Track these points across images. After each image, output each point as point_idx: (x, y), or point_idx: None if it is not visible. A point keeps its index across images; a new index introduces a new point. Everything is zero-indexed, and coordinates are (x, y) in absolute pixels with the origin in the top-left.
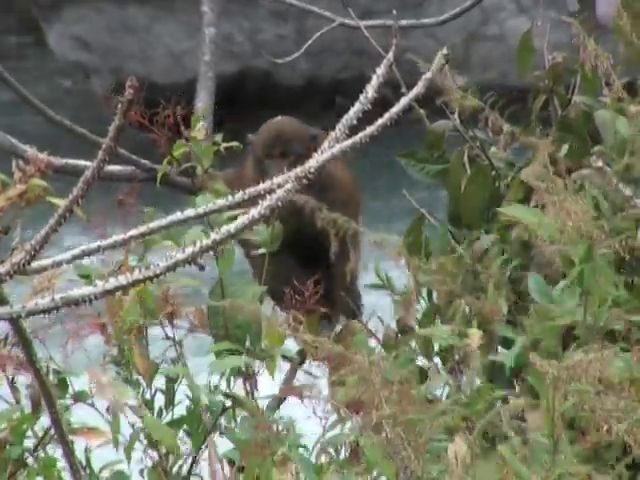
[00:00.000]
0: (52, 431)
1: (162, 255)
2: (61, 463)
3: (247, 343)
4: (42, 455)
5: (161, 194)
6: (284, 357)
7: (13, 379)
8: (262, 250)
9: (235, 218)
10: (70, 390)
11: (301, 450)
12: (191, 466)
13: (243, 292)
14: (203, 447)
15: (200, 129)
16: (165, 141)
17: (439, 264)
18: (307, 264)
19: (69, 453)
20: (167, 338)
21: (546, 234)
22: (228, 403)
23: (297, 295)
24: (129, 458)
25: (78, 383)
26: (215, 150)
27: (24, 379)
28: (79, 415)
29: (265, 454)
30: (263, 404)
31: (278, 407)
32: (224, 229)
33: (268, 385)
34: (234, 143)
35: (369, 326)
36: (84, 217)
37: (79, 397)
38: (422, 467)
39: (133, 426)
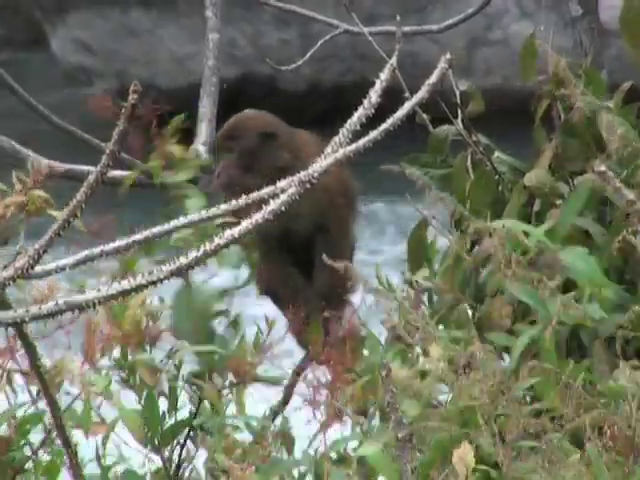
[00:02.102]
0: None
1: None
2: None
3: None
4: (44, 457)
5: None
6: (265, 381)
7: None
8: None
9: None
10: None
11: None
12: (177, 468)
13: (207, 299)
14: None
15: (172, 140)
16: (139, 146)
17: (441, 269)
18: (302, 262)
19: (72, 457)
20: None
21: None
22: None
23: (295, 297)
24: (104, 447)
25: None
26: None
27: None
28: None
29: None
30: (265, 409)
31: (280, 412)
32: (228, 233)
33: (270, 390)
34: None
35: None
36: (84, 228)
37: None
38: (509, 465)
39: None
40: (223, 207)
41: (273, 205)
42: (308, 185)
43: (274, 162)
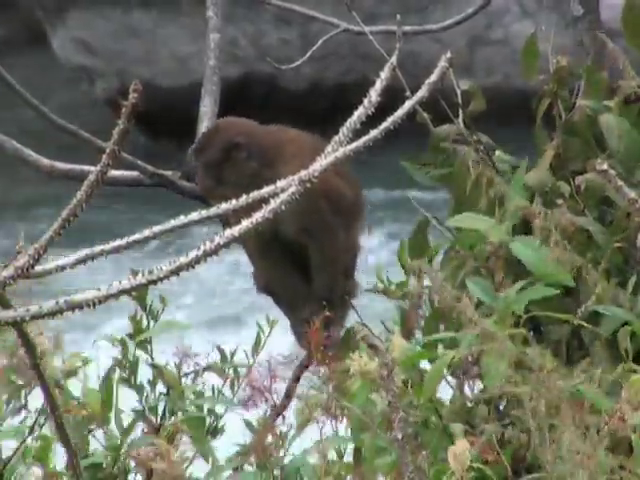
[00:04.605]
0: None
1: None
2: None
3: None
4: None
5: (165, 198)
6: None
7: None
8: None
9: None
10: None
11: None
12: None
13: None
14: None
15: None
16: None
17: (442, 268)
18: (300, 262)
19: (73, 456)
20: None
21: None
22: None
23: (294, 298)
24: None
25: None
26: None
27: None
28: None
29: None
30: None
31: (281, 412)
32: (228, 232)
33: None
34: None
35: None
36: None
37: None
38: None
39: None
40: (223, 207)
41: (273, 204)
42: (309, 184)
43: (241, 172)
